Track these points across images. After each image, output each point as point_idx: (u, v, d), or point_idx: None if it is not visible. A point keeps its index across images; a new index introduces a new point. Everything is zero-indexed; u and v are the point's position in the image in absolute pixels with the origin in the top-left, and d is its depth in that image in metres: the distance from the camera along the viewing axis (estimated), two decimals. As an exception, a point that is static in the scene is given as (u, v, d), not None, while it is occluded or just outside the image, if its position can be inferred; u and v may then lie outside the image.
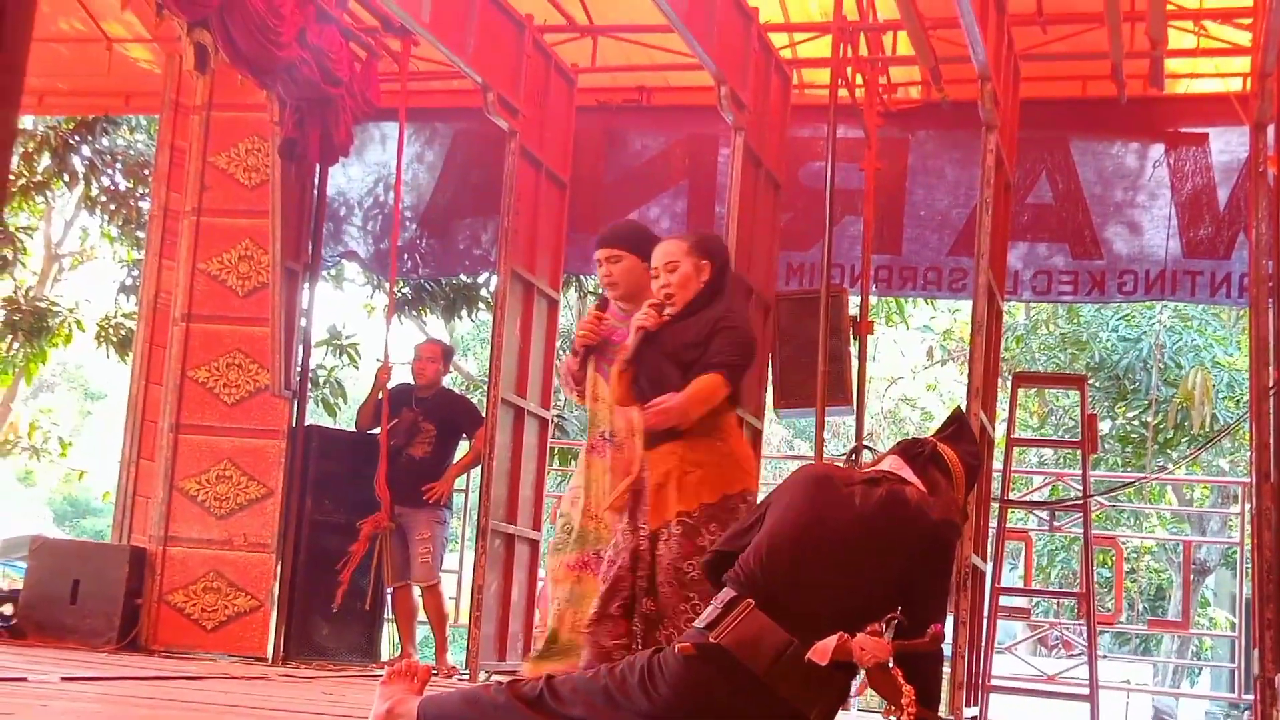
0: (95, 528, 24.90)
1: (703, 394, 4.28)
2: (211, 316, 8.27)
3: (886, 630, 2.89)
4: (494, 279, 9.51)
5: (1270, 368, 7.59)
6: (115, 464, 9.30)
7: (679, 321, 4.39)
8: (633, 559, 4.33)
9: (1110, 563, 12.81)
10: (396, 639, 9.00)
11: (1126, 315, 16.82)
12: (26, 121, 11.72)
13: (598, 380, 4.86)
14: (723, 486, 4.28)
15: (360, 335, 12.70)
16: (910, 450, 3.25)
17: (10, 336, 12.41)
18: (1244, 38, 8.41)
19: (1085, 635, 9.27)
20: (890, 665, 2.89)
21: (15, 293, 12.60)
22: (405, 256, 9.89)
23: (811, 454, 8.13)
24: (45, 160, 12.09)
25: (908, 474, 3.16)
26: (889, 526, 3.04)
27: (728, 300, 4.55)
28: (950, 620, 7.39)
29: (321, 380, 11.87)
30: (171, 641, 7.80)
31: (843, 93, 8.14)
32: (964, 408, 7.65)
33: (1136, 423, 17.47)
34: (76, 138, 11.86)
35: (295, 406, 8.16)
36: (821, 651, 2.88)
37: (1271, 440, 7.52)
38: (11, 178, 11.92)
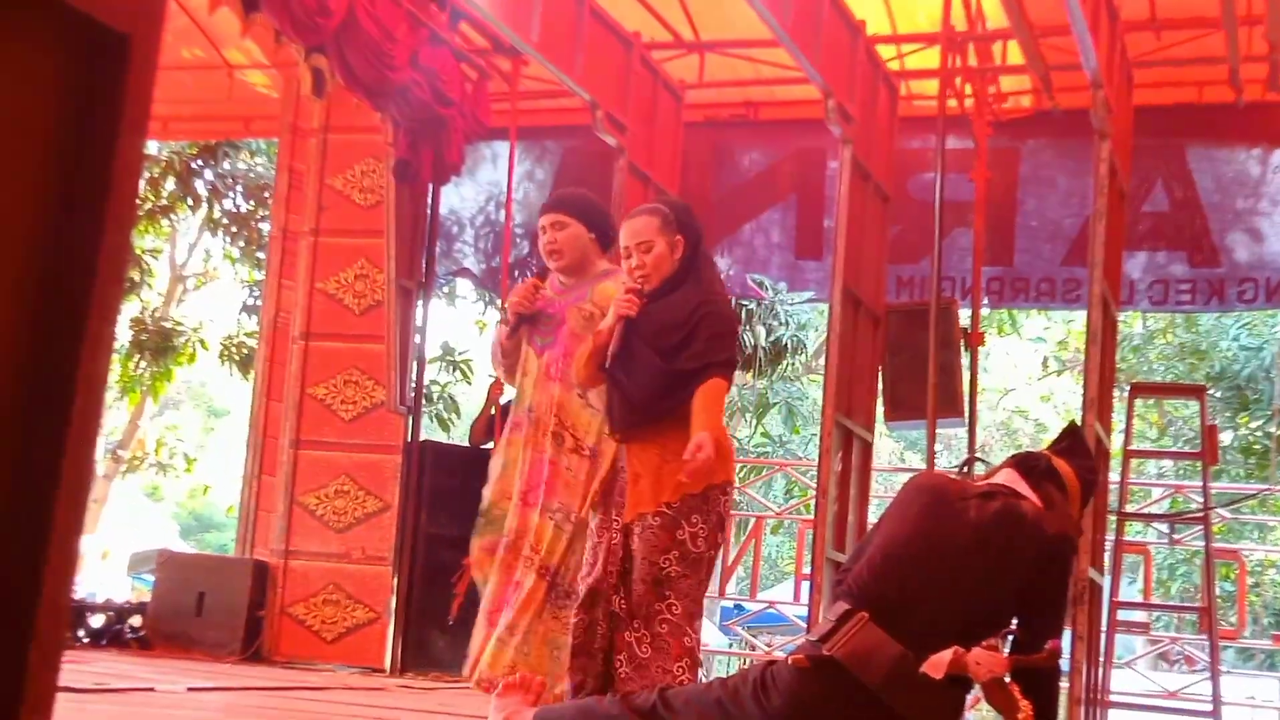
0: (219, 541, 25.39)
1: (718, 406, 4.05)
2: (329, 334, 8.41)
3: (1002, 645, 2.85)
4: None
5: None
6: (238, 479, 9.49)
7: (655, 302, 4.08)
8: (607, 556, 4.05)
9: (1233, 576, 12.47)
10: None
11: (1248, 324, 16.45)
12: (151, 147, 12.01)
13: (528, 354, 4.53)
14: (706, 477, 3.94)
15: (473, 351, 12.83)
16: (1025, 464, 3.20)
17: (137, 356, 12.74)
18: (1367, 38, 8.18)
19: (1208, 650, 9.06)
20: (1007, 680, 2.84)
21: (142, 313, 12.92)
22: (516, 273, 9.97)
23: (922, 467, 8.03)
24: (170, 185, 12.39)
25: (1023, 488, 3.12)
26: (1005, 541, 2.99)
27: (704, 277, 4.21)
28: (1067, 635, 7.27)
29: (435, 396, 12.00)
30: (292, 653, 7.92)
31: (951, 103, 8.05)
32: (1079, 419, 7.53)
33: (1259, 433, 17.06)
34: (199, 162, 12.13)
35: (410, 422, 8.26)
36: (936, 665, 2.85)
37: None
38: (138, 202, 12.23)
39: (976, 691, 3.03)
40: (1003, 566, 2.98)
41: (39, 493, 1.01)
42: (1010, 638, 2.86)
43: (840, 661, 2.95)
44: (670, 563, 3.87)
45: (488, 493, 4.59)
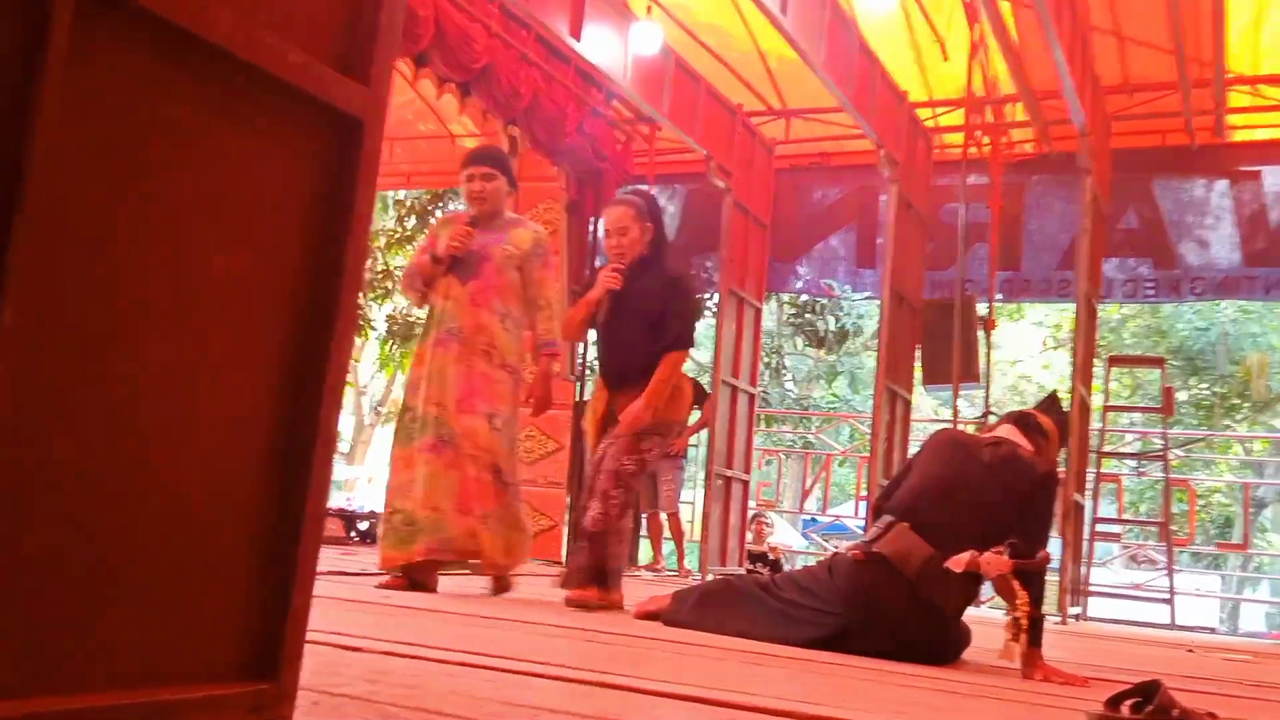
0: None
1: (672, 375, 3.72)
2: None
3: (1006, 551, 2.78)
4: (716, 295, 9.50)
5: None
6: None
7: (635, 280, 3.76)
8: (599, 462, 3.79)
9: (1186, 500, 12.03)
10: (650, 551, 9.12)
11: (1199, 310, 15.81)
12: (401, 194, 12.27)
13: (452, 282, 3.90)
14: (668, 414, 3.75)
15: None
16: (1020, 420, 3.13)
17: (391, 341, 13.03)
18: (1292, 95, 7.80)
19: (1165, 554, 8.75)
20: (1010, 577, 2.78)
21: (394, 311, 13.22)
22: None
23: (951, 420, 7.87)
24: (412, 220, 12.63)
25: (1019, 438, 3.05)
26: (1009, 476, 2.92)
27: (666, 254, 3.89)
28: (1057, 544, 7.07)
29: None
30: (497, 548, 8.04)
31: (972, 150, 7.85)
32: (1069, 384, 7.31)
33: (1207, 392, 16.44)
34: (432, 204, 12.35)
35: (579, 386, 8.34)
36: (957, 562, 2.80)
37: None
38: (392, 231, 12.52)
39: (988, 586, 2.96)
40: (1007, 494, 2.90)
41: (305, 441, 1.05)
42: (1011, 546, 2.79)
43: (886, 556, 2.92)
44: (626, 466, 3.70)
45: (419, 403, 3.83)
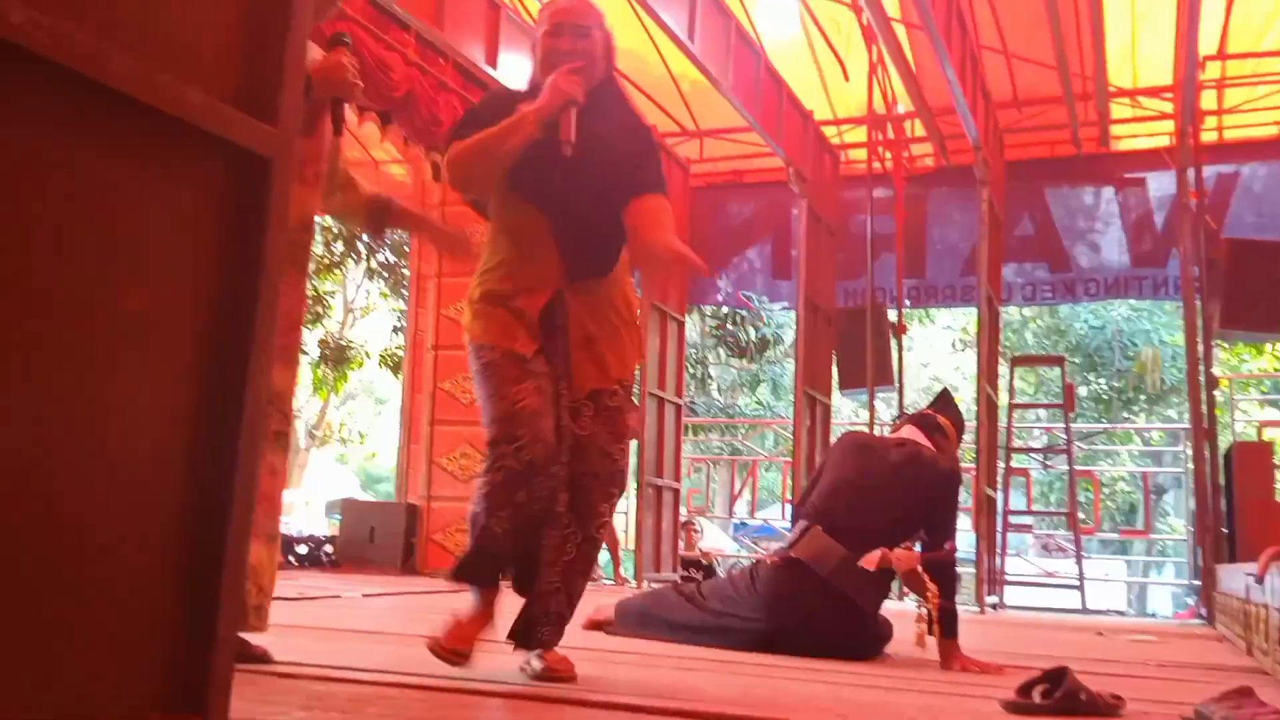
0: (385, 490, 25.57)
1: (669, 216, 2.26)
2: (452, 345, 8.42)
3: (914, 546, 2.84)
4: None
5: (1199, 344, 7.26)
6: (395, 448, 9.54)
7: (595, 117, 2.24)
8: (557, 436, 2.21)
9: (1091, 489, 12.35)
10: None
11: (1094, 310, 16.27)
12: (328, 220, 12.10)
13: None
14: (637, 356, 2.36)
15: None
16: (920, 421, 3.20)
17: (323, 365, 12.83)
18: (1167, 106, 8.10)
19: (1073, 542, 8.98)
20: (920, 570, 2.83)
21: (325, 335, 13.03)
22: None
23: (868, 421, 7.99)
24: (340, 246, 12.48)
25: (920, 438, 3.11)
26: (913, 475, 2.99)
27: (624, 93, 2.41)
28: (973, 538, 7.22)
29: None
30: (436, 566, 7.94)
31: (876, 164, 8.01)
32: (975, 385, 7.47)
33: (1105, 387, 16.89)
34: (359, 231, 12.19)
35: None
36: (869, 560, 2.85)
37: (1204, 396, 7.21)
38: (321, 257, 12.35)
39: (900, 580, 3.02)
40: (912, 492, 2.97)
41: (224, 474, 1.03)
42: (919, 541, 2.85)
43: (802, 560, 2.95)
44: (621, 454, 2.26)
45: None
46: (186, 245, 0.97)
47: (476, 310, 2.27)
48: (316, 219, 2.43)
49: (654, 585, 6.40)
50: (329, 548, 8.15)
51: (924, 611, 2.80)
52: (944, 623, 2.78)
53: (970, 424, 6.24)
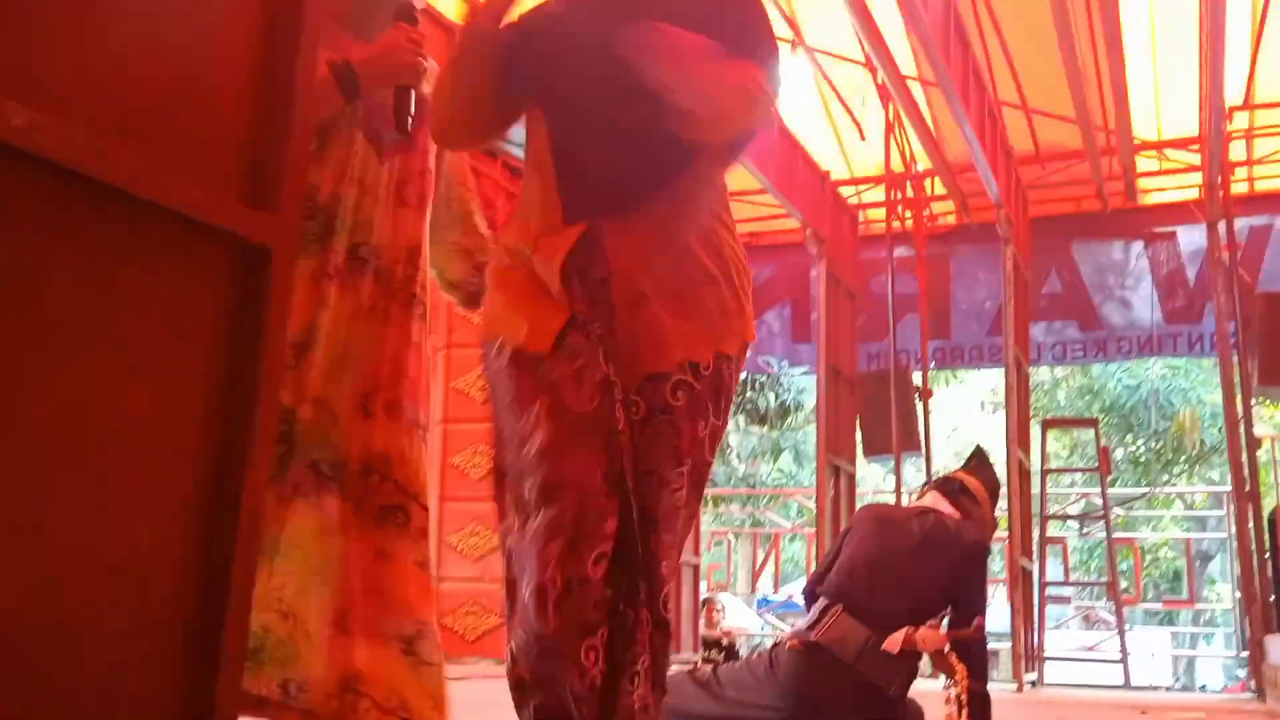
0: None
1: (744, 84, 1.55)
2: (462, 419, 8.44)
3: (941, 624, 2.82)
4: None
5: (1238, 402, 7.24)
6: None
7: None
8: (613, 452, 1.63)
9: (1132, 557, 12.21)
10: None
11: (1128, 369, 16.22)
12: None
13: (366, 152, 1.87)
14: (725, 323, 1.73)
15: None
16: (944, 486, 3.18)
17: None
18: (1195, 159, 8.16)
19: (1115, 614, 8.85)
20: (946, 650, 2.81)
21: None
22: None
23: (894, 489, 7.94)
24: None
25: (944, 506, 3.09)
26: (937, 548, 2.97)
27: None
28: (1008, 611, 7.13)
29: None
30: (446, 651, 7.89)
31: (896, 224, 8.08)
32: (1006, 449, 7.45)
33: (1143, 449, 16.78)
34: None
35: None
36: (893, 642, 2.82)
37: (1245, 456, 7.17)
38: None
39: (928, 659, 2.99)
40: (936, 567, 2.95)
41: (222, 571, 1.05)
42: (946, 619, 2.83)
43: (823, 644, 2.92)
44: (682, 483, 1.56)
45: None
46: (189, 341, 1.00)
47: (488, 284, 1.69)
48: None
49: (672, 669, 6.33)
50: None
51: (954, 694, 2.78)
52: (974, 707, 2.75)
53: (1002, 490, 6.20)
